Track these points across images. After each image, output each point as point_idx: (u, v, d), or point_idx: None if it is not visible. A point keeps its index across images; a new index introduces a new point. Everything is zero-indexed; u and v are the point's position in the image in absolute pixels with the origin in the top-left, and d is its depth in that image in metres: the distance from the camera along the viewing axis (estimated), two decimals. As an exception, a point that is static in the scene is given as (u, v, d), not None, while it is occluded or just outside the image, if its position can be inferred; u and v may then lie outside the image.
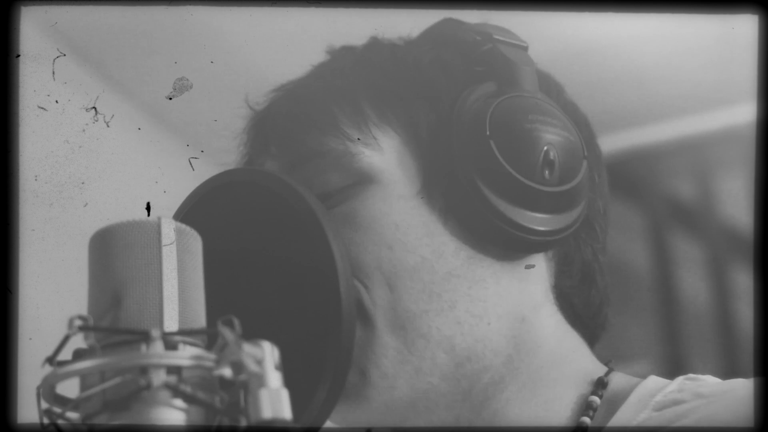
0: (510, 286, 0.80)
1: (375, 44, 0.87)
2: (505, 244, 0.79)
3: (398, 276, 0.78)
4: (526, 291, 0.81)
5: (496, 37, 0.84)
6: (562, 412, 0.79)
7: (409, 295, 0.77)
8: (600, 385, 0.80)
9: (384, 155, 0.81)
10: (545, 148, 0.78)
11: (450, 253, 0.79)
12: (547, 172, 0.78)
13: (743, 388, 0.74)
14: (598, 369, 0.83)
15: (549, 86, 0.86)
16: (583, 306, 0.84)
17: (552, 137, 0.79)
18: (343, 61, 0.86)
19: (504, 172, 0.77)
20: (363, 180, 0.80)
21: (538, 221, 0.78)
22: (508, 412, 0.79)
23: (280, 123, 0.85)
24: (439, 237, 0.79)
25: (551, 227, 0.79)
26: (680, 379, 0.78)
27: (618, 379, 0.81)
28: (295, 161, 0.82)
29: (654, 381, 0.79)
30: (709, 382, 0.78)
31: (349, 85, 0.83)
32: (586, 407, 0.78)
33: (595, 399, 0.78)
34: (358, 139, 0.81)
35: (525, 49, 0.85)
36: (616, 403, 0.78)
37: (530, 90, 0.82)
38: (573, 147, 0.80)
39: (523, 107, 0.80)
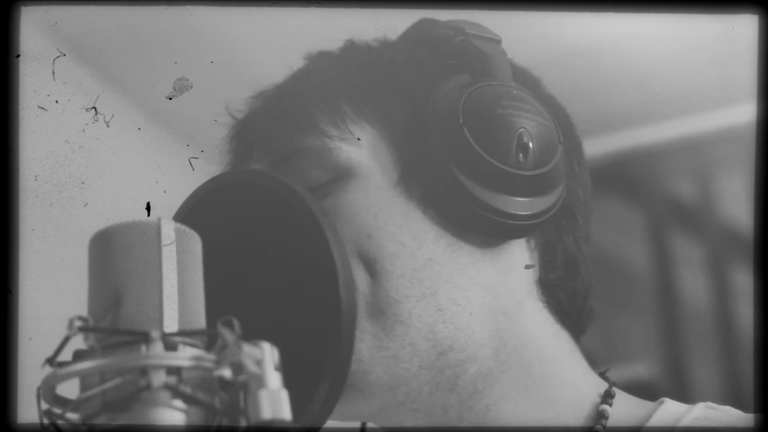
0: (491, 277, 0.80)
1: (351, 47, 0.87)
2: (483, 229, 0.79)
3: (378, 262, 0.78)
4: (507, 284, 0.81)
5: (469, 31, 0.84)
6: (560, 415, 0.79)
7: (390, 281, 0.77)
8: (608, 395, 0.79)
9: (361, 149, 0.81)
10: (519, 132, 0.78)
11: (430, 241, 0.79)
12: (521, 155, 0.78)
13: None
14: (591, 375, 0.82)
15: (525, 79, 0.86)
16: (569, 299, 0.84)
17: (525, 122, 0.79)
18: (319, 63, 0.87)
19: (479, 157, 0.78)
20: (342, 174, 0.80)
21: (516, 205, 0.78)
22: (502, 408, 0.78)
23: (260, 126, 0.85)
24: (418, 225, 0.79)
25: (529, 211, 0.79)
26: (701, 406, 0.78)
27: (627, 400, 0.80)
28: (276, 161, 0.82)
29: (673, 404, 0.78)
30: (729, 413, 0.77)
31: (325, 84, 0.84)
32: (598, 416, 0.78)
33: (607, 408, 0.78)
34: (351, 133, 0.81)
35: (498, 42, 0.85)
36: (634, 422, 0.77)
37: (503, 79, 0.82)
38: (547, 131, 0.80)
39: (496, 94, 0.80)
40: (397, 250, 0.78)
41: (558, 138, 0.81)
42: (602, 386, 0.81)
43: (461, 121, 0.78)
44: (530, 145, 0.78)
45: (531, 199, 0.79)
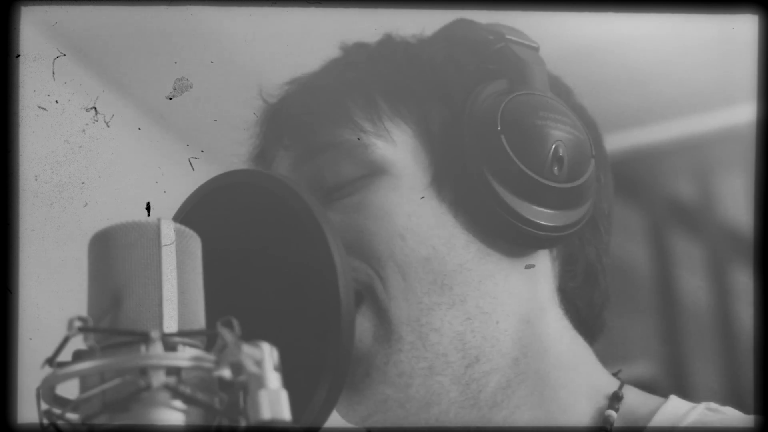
0: (518, 284, 0.81)
1: (388, 41, 0.87)
2: (512, 238, 0.79)
3: (411, 266, 0.78)
4: (533, 291, 0.81)
5: (508, 36, 0.84)
6: (573, 423, 0.78)
7: (422, 287, 0.78)
8: (616, 399, 0.79)
9: (396, 148, 0.81)
10: (555, 144, 0.79)
11: (461, 246, 0.79)
12: (556, 168, 0.79)
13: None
14: (609, 380, 0.82)
15: (558, 88, 0.87)
16: (586, 307, 0.85)
17: (562, 134, 0.79)
18: (356, 56, 0.87)
19: (514, 166, 0.78)
20: (375, 171, 0.81)
21: (546, 216, 0.79)
22: (517, 419, 0.79)
23: (294, 114, 0.85)
24: (449, 229, 0.79)
25: (558, 223, 0.79)
26: (701, 408, 0.78)
27: (635, 396, 0.81)
28: (308, 152, 0.82)
29: (675, 405, 0.78)
30: (729, 415, 0.77)
31: (362, 79, 0.84)
32: (603, 422, 0.78)
33: (612, 413, 0.78)
34: (387, 131, 0.81)
35: (536, 49, 0.86)
36: (636, 424, 0.77)
37: (541, 89, 0.82)
38: (582, 145, 0.81)
39: (534, 104, 0.80)
40: (429, 255, 0.78)
41: (591, 152, 0.82)
42: (612, 389, 0.81)
43: (499, 128, 0.79)
44: (565, 158, 0.79)
45: (560, 211, 0.79)
